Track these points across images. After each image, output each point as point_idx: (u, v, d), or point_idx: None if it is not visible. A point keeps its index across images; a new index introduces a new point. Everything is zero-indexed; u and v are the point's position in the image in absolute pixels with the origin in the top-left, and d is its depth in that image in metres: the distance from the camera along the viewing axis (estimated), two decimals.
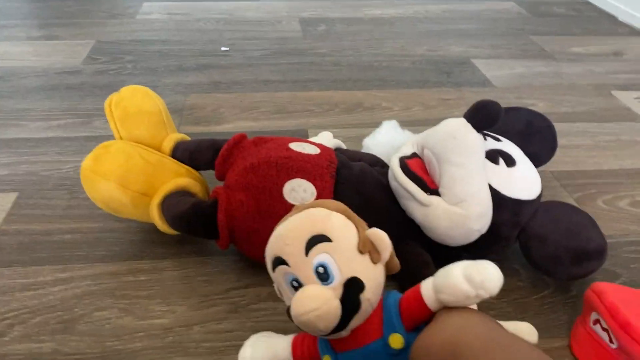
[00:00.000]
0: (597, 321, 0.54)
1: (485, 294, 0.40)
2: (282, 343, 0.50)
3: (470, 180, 0.58)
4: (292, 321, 0.42)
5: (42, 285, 0.63)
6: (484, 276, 0.40)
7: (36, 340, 0.56)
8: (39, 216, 0.74)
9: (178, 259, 0.67)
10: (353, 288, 0.42)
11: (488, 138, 0.64)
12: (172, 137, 0.71)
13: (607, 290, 0.53)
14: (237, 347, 0.55)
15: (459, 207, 0.58)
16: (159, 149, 0.71)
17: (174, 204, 0.63)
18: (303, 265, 0.43)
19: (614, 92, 1.14)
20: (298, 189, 0.60)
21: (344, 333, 0.43)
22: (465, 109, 0.62)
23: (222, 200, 0.60)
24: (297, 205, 0.48)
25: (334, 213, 0.45)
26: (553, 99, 1.10)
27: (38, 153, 0.88)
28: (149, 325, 0.58)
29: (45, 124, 0.97)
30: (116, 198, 0.64)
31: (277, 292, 0.48)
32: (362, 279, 0.42)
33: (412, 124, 0.82)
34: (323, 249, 0.43)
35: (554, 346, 0.57)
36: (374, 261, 0.44)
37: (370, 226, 0.49)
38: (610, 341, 0.53)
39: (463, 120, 0.60)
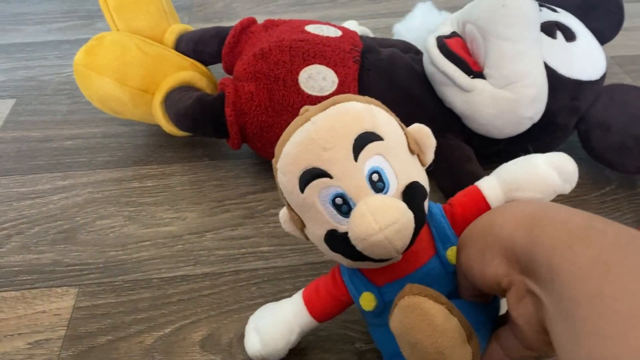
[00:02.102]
0: None
1: (571, 187, 0.34)
2: (291, 307, 0.39)
3: (523, 57, 0.49)
4: (335, 250, 0.32)
5: (41, 194, 0.57)
6: (572, 167, 0.34)
7: (35, 251, 0.51)
8: (38, 122, 0.67)
9: (188, 163, 0.61)
10: (416, 195, 0.32)
11: (543, 9, 0.54)
12: (175, 29, 0.63)
13: None
14: (254, 255, 0.50)
15: (508, 90, 0.49)
16: (160, 42, 0.62)
17: (177, 100, 0.55)
18: (352, 173, 0.31)
19: None
20: (317, 77, 0.51)
21: (398, 256, 0.32)
22: None
23: (229, 93, 0.52)
24: (308, 107, 0.34)
25: (374, 106, 0.34)
26: None
27: (37, 57, 0.81)
28: (156, 234, 0.52)
29: (44, 27, 0.89)
30: (114, 96, 0.57)
31: (287, 225, 0.36)
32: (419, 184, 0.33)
33: (450, 9, 0.71)
34: (375, 150, 0.31)
35: None
36: (422, 163, 0.34)
37: (402, 118, 0.37)
38: None
39: None
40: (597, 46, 0.54)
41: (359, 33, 0.65)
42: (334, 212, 0.31)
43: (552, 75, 0.50)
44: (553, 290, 0.24)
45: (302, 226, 0.34)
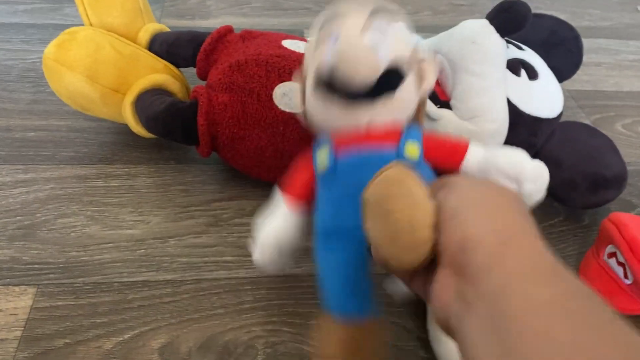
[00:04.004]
0: (612, 254, 0.49)
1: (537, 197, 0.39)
2: (277, 214, 0.43)
3: (488, 93, 0.51)
4: (318, 85, 0.38)
5: (1, 186, 0.56)
6: (546, 178, 0.39)
7: None
8: (0, 110, 0.66)
9: (154, 165, 0.61)
10: (394, 74, 0.37)
11: (510, 45, 0.57)
12: (149, 28, 0.63)
13: (628, 222, 0.48)
14: (217, 264, 0.51)
15: (472, 122, 0.52)
16: (134, 40, 0.62)
17: (148, 103, 0.55)
18: (355, 21, 0.37)
19: None
20: (291, 94, 0.52)
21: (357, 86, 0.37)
22: (479, 16, 0.54)
23: (202, 102, 0.52)
24: None
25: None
26: (574, 11, 1.01)
27: (0, 40, 0.78)
28: (118, 236, 0.52)
29: (9, 7, 0.86)
30: (84, 93, 0.56)
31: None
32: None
33: (420, 31, 0.73)
34: (385, 17, 0.38)
35: None
36: (418, 83, 0.40)
37: None
38: (625, 276, 0.48)
39: (485, 22, 0.52)
40: (557, 85, 0.57)
41: None
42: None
43: (514, 111, 0.53)
44: (494, 306, 0.25)
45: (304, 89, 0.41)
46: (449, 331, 0.29)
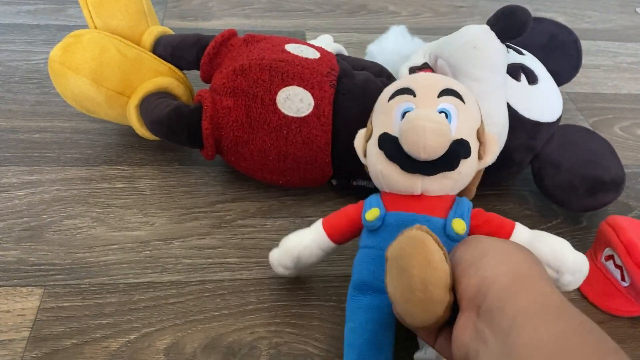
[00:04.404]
0: (610, 257, 0.50)
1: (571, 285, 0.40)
2: (311, 228, 0.46)
3: (488, 97, 0.52)
4: (381, 146, 0.42)
5: (7, 187, 0.57)
6: (585, 270, 0.40)
7: None
8: (5, 111, 0.67)
9: (158, 166, 0.62)
10: (462, 147, 0.41)
11: (510, 50, 0.57)
12: (153, 30, 0.63)
13: (625, 225, 0.49)
14: (221, 266, 0.51)
15: None
16: (138, 43, 0.63)
17: (153, 106, 0.56)
18: (429, 101, 0.42)
19: (639, 10, 1.05)
20: (294, 98, 0.53)
21: (416, 189, 0.42)
22: (479, 18, 0.55)
23: (207, 106, 0.53)
24: None
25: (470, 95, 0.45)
26: (573, 13, 1.01)
27: (4, 41, 0.79)
28: (123, 238, 0.53)
29: (12, 8, 0.87)
30: (89, 96, 0.57)
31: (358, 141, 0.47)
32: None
33: (420, 32, 0.74)
34: (453, 101, 0.42)
35: None
36: (479, 156, 0.43)
37: None
38: (622, 279, 0.49)
39: (486, 27, 0.53)
40: (556, 90, 0.58)
41: (334, 51, 0.67)
42: (400, 120, 0.42)
43: (513, 116, 0.53)
44: (506, 340, 0.27)
45: (369, 137, 0.45)
46: None
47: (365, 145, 0.46)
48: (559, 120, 0.57)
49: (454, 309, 0.32)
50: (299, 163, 0.54)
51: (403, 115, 0.42)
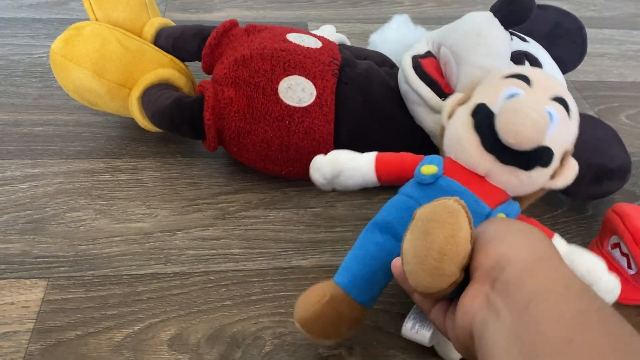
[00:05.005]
0: (616, 245, 0.50)
1: None
2: (362, 155, 0.47)
3: None
4: (474, 116, 0.42)
5: (10, 180, 0.57)
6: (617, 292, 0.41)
7: (3, 240, 0.51)
8: (7, 105, 0.67)
9: (161, 158, 0.61)
10: (546, 154, 0.41)
11: (514, 38, 0.57)
12: (155, 22, 0.63)
13: (632, 212, 0.49)
14: (224, 257, 0.51)
15: None
16: (139, 35, 0.62)
17: (155, 98, 0.56)
18: (541, 97, 0.42)
19: None
20: (296, 88, 0.53)
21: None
22: (482, 7, 0.54)
23: (208, 97, 0.53)
24: None
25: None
26: (578, 1, 1.00)
27: (6, 35, 0.79)
28: (127, 229, 0.53)
29: (14, 2, 0.87)
30: (91, 88, 0.57)
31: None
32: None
33: (423, 22, 0.74)
34: (561, 111, 0.42)
35: None
36: (553, 175, 0.43)
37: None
38: (629, 267, 0.49)
39: (489, 14, 0.52)
40: (561, 77, 0.58)
41: (336, 41, 0.66)
42: (504, 99, 0.42)
43: None
44: (522, 314, 0.27)
45: (462, 102, 0.46)
46: (467, 343, 0.31)
47: (456, 109, 0.46)
48: None
49: (460, 287, 0.32)
50: (302, 153, 0.54)
51: (510, 97, 0.42)
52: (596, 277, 0.40)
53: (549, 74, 0.45)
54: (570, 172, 0.44)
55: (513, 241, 0.31)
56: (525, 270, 0.29)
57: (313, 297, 0.41)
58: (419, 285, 0.32)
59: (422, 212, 0.33)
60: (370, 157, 0.46)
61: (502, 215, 0.41)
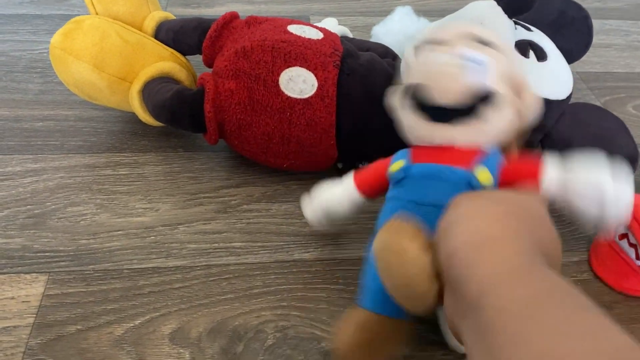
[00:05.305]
0: (624, 235, 0.49)
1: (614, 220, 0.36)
2: (341, 181, 0.47)
3: None
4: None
5: (11, 175, 0.57)
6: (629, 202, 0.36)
7: (3, 235, 0.51)
8: (8, 101, 0.66)
9: (162, 153, 0.61)
10: (484, 96, 0.38)
11: (518, 27, 0.56)
12: (155, 16, 0.62)
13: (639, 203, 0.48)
14: (226, 250, 0.51)
15: None
16: (140, 28, 0.62)
17: (155, 91, 0.55)
18: (452, 48, 0.40)
19: None
20: (297, 79, 0.52)
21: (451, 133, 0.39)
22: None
23: (209, 89, 0.52)
24: None
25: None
26: None
27: (7, 31, 0.79)
28: (128, 224, 0.53)
29: None
30: (91, 82, 0.56)
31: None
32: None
33: (427, 15, 0.73)
34: (481, 49, 0.40)
35: (572, 260, 0.52)
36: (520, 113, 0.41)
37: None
38: (637, 257, 0.48)
39: (492, 3, 0.51)
40: (566, 66, 0.57)
41: (339, 33, 0.66)
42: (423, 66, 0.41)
43: None
44: (478, 313, 0.25)
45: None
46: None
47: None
48: (569, 97, 0.56)
49: None
50: (303, 146, 0.53)
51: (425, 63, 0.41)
52: (601, 192, 0.35)
53: (459, 25, 0.42)
54: (531, 100, 0.41)
55: (457, 232, 0.29)
56: (466, 264, 0.27)
57: (344, 330, 0.40)
58: (410, 310, 0.33)
59: (374, 247, 0.33)
60: (349, 179, 0.46)
61: (484, 171, 0.38)
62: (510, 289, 0.25)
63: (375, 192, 0.45)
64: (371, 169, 0.45)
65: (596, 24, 0.89)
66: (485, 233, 0.29)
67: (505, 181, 0.39)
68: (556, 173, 0.38)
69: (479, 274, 0.27)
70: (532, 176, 0.38)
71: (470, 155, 0.40)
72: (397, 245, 0.31)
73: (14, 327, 0.44)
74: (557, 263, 0.32)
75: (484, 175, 0.38)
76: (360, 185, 0.45)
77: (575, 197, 0.36)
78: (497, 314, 0.24)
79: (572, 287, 0.25)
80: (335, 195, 0.46)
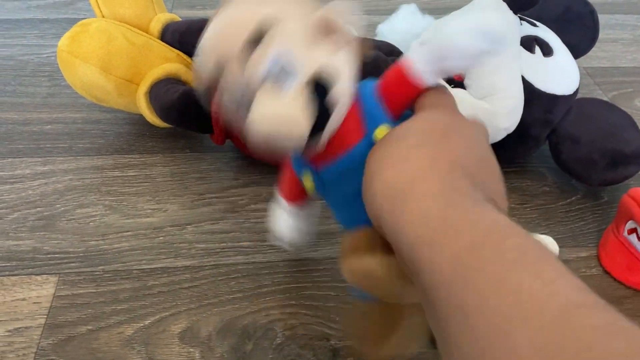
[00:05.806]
0: (633, 230, 0.48)
1: (500, 47, 0.29)
2: (281, 209, 0.45)
3: (502, 71, 0.51)
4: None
5: (20, 178, 0.57)
6: (496, 26, 0.29)
7: (14, 237, 0.51)
8: (17, 104, 0.67)
9: (170, 154, 0.61)
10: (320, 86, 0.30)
11: (523, 22, 0.56)
12: (161, 18, 0.63)
13: None
14: (234, 249, 0.51)
15: (486, 101, 0.51)
16: (146, 31, 0.62)
17: (162, 92, 0.56)
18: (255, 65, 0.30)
19: None
20: None
21: (319, 146, 0.32)
22: None
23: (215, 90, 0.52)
24: None
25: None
26: None
27: (15, 36, 0.79)
28: (137, 224, 0.53)
29: (22, 3, 0.87)
30: (98, 84, 0.57)
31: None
32: (328, 71, 0.30)
33: (433, 12, 0.73)
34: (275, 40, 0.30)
35: (580, 256, 0.52)
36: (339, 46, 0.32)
37: None
38: None
39: None
40: (572, 61, 0.57)
41: None
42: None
43: (529, 89, 0.52)
44: (419, 282, 0.24)
45: None
46: None
47: None
48: (576, 92, 0.56)
49: None
50: None
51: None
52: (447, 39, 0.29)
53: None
54: (347, 30, 0.33)
55: (372, 193, 0.27)
56: (392, 221, 0.25)
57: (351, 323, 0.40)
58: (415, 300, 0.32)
59: (344, 275, 0.32)
60: (279, 197, 0.44)
61: (380, 129, 0.31)
62: (439, 248, 0.22)
63: (304, 198, 0.42)
64: (286, 181, 0.42)
65: (602, 18, 0.88)
66: (402, 182, 0.26)
67: (389, 96, 0.32)
68: (419, 49, 0.31)
69: (405, 232, 0.24)
70: (400, 71, 0.32)
71: (352, 120, 0.33)
72: (363, 269, 0.30)
73: (26, 328, 0.44)
74: (502, 204, 0.28)
75: (380, 131, 0.31)
76: (289, 198, 0.43)
77: (446, 51, 0.30)
78: (431, 280, 0.22)
79: (511, 224, 0.23)
80: (288, 221, 0.44)
